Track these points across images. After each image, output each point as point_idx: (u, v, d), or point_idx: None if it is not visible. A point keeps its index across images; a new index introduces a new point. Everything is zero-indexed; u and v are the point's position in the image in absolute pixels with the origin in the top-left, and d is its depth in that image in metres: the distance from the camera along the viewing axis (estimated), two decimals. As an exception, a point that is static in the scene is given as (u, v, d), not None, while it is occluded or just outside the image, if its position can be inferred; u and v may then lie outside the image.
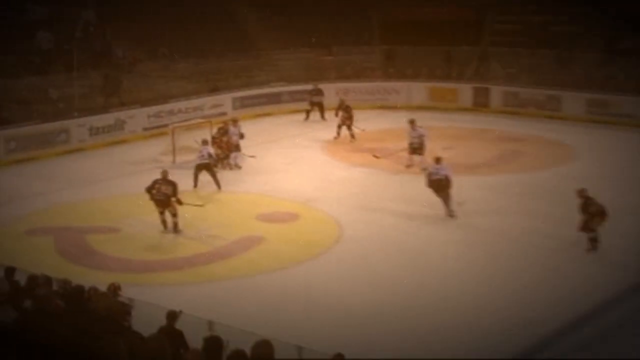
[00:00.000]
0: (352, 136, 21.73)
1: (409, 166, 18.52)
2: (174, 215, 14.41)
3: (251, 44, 28.63)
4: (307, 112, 25.06)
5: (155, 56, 26.23)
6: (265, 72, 27.92)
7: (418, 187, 16.35)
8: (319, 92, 25.20)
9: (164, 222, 14.50)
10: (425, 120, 20.20)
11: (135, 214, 15.23)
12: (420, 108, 24.59)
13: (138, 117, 22.83)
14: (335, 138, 21.83)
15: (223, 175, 18.06)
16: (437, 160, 15.34)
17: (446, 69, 27.78)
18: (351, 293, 11.59)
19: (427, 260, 12.96)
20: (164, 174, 14.79)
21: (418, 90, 26.98)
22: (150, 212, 14.70)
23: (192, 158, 17.93)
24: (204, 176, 17.19)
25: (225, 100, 25.24)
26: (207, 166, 17.38)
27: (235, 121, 20.01)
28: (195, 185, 17.23)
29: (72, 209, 16.02)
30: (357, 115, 22.08)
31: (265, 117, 25.63)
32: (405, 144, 18.72)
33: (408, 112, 24.09)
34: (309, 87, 25.42)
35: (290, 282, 12.15)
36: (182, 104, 23.97)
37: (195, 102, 24.30)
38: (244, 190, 17.43)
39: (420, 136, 18.47)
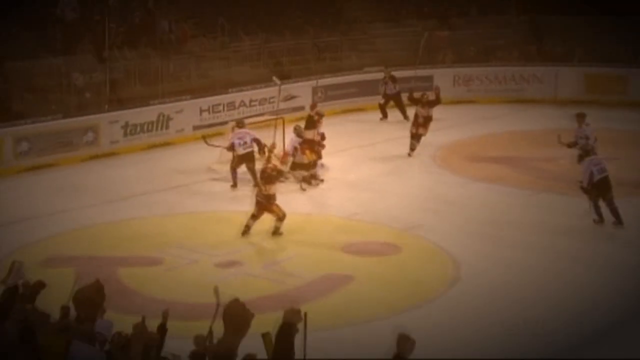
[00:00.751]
0: (413, 148, 21.21)
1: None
2: (279, 218, 15.50)
3: (339, 16, 28.97)
4: (382, 109, 25.17)
5: (211, 31, 26.74)
6: (357, 52, 28.29)
7: (567, 211, 16.30)
8: (392, 80, 25.23)
9: (248, 227, 15.51)
10: (578, 118, 20.07)
11: (184, 241, 15.68)
12: (572, 102, 24.37)
13: (187, 111, 23.46)
14: (409, 155, 21.24)
15: (299, 192, 18.51)
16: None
17: (610, 47, 27.45)
18: (468, 354, 11.70)
19: (574, 315, 12.91)
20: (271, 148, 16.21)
21: (569, 77, 26.91)
22: (205, 236, 15.25)
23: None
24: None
25: (302, 90, 25.62)
26: (250, 157, 18.05)
27: (320, 116, 20.16)
28: (235, 185, 18.10)
29: (101, 232, 16.53)
30: (481, 111, 21.91)
31: (356, 113, 26.03)
32: (545, 151, 18.79)
33: (554, 108, 24.05)
34: (412, 73, 25.47)
35: (387, 337, 12.28)
36: (246, 95, 24.54)
37: (262, 92, 24.68)
38: (326, 212, 17.74)
39: (587, 138, 18.29)
